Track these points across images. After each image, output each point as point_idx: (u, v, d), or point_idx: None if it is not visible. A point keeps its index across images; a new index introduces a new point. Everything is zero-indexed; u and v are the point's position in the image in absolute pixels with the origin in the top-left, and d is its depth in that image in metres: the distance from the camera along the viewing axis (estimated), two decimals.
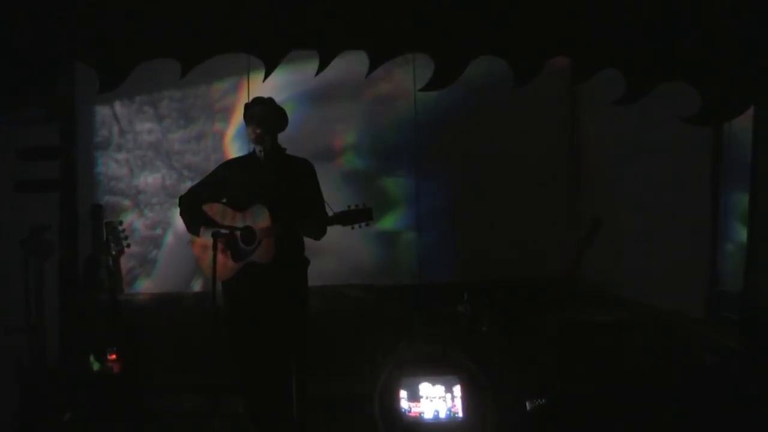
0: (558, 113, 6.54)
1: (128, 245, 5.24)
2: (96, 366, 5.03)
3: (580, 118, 6.55)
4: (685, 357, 4.75)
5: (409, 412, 4.70)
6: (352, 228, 4.43)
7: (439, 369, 4.69)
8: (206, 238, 4.58)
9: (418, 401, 4.69)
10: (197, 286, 6.45)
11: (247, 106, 4.72)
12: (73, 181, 6.33)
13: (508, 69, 4.34)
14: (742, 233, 4.53)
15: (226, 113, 6.61)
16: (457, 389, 4.65)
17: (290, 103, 5.57)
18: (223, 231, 4.56)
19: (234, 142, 6.54)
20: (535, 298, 5.54)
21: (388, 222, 6.51)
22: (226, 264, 4.60)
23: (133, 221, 6.55)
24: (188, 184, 5.67)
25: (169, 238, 6.62)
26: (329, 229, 4.61)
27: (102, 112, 6.59)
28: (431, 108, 6.33)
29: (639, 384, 4.65)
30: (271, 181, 4.64)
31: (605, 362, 4.72)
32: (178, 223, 6.30)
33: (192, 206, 4.77)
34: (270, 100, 4.72)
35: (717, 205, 4.75)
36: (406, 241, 6.60)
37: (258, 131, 4.63)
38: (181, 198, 4.87)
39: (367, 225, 4.44)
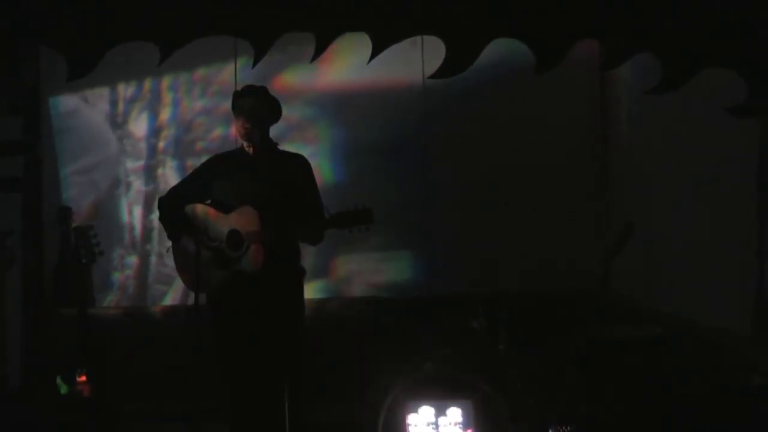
0: (585, 104, 6.53)
1: (101, 253, 5.20)
2: (63, 389, 5.01)
3: (609, 109, 6.54)
4: (729, 378, 4.74)
5: None
6: (350, 232, 4.42)
7: (450, 393, 4.68)
8: (188, 244, 4.57)
9: (427, 429, 4.67)
10: (177, 298, 6.44)
11: (235, 96, 4.69)
12: (38, 180, 6.31)
13: (528, 54, 4.33)
14: None
15: (211, 105, 6.62)
16: (472, 415, 4.63)
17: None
18: (207, 236, 4.55)
19: (221, 138, 6.55)
20: (558, 312, 5.53)
21: (393, 226, 6.47)
22: (210, 273, 4.58)
23: (105, 226, 6.53)
24: (168, 185, 5.67)
25: (146, 245, 6.62)
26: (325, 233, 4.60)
27: (69, 103, 6.59)
28: (441, 99, 6.31)
29: (676, 408, 4.63)
30: (260, 180, 4.62)
31: (638, 384, 4.70)
32: (157, 227, 6.32)
33: (172, 208, 4.75)
34: (262, 89, 4.69)
35: (765, 208, 4.73)
36: (413, 249, 6.58)
37: (247, 126, 4.60)
38: (160, 199, 4.86)
39: (367, 229, 4.42)
